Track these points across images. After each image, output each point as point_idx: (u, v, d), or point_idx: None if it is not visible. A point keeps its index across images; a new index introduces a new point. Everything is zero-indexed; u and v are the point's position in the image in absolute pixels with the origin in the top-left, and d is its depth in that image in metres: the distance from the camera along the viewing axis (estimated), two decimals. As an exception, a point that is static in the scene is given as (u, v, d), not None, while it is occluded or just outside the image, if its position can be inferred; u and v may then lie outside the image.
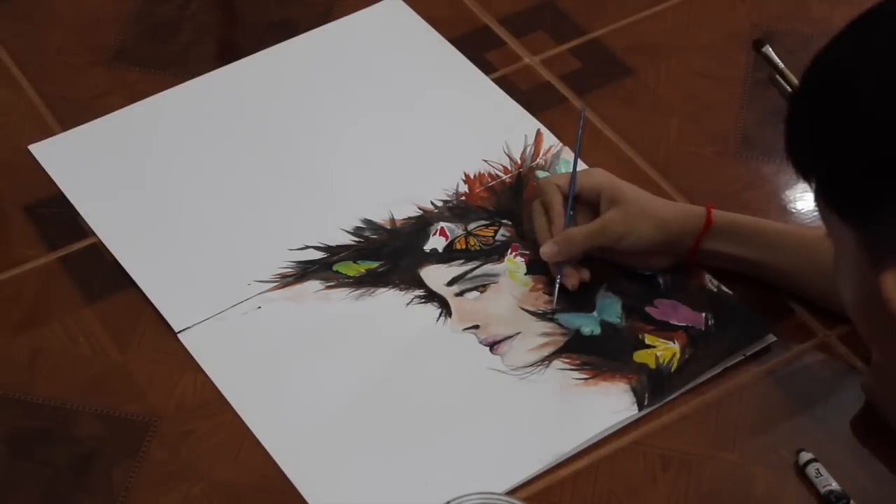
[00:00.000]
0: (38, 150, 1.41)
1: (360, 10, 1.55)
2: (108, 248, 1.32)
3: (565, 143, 1.40)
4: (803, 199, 1.35)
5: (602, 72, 1.49)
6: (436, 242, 1.32)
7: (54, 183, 1.38)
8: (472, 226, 1.34)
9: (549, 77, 1.48)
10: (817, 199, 0.93)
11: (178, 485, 1.16)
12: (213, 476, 1.17)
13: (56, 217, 1.35)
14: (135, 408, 1.21)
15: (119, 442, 1.18)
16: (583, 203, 1.28)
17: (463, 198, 1.36)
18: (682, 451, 1.19)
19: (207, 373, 1.23)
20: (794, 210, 1.35)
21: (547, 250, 1.25)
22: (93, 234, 1.33)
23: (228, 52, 1.52)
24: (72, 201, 1.36)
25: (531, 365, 1.23)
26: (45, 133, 1.43)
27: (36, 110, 1.45)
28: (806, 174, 0.93)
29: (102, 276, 1.31)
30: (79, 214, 1.35)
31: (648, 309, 1.27)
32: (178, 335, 1.25)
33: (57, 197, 1.37)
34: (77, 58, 1.51)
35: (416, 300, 1.28)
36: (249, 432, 1.19)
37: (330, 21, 1.53)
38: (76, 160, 1.40)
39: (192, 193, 1.37)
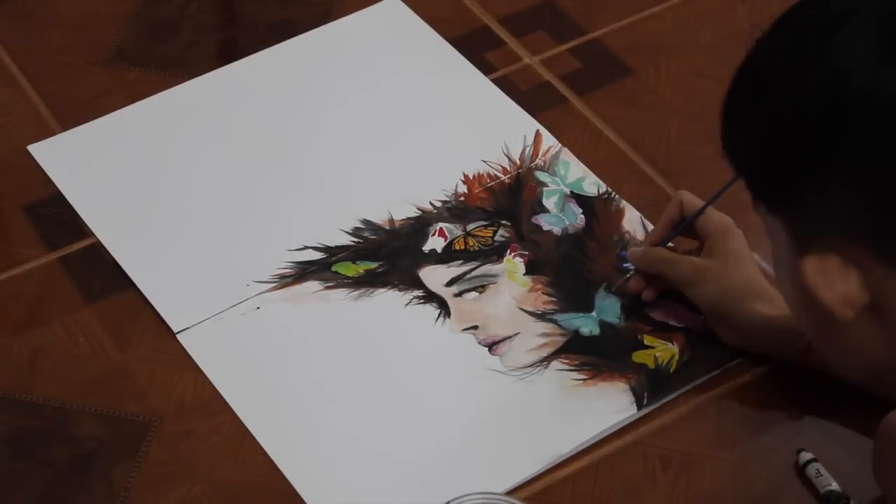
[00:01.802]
0: (37, 150, 1.41)
1: (359, 10, 1.54)
2: (107, 248, 1.32)
3: (564, 144, 1.40)
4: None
5: (602, 72, 1.49)
6: (435, 243, 1.32)
7: (54, 183, 1.38)
8: (470, 226, 1.34)
9: (549, 77, 1.48)
10: (750, 194, 0.95)
11: (177, 485, 1.16)
12: (213, 476, 1.17)
13: (56, 217, 1.35)
14: (135, 408, 1.21)
15: (119, 442, 1.18)
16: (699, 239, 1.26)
17: (462, 198, 1.36)
18: (682, 451, 1.19)
19: (206, 373, 1.23)
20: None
21: (631, 252, 1.28)
22: (92, 234, 1.33)
23: (228, 52, 1.52)
24: (70, 202, 1.36)
25: (530, 365, 1.23)
26: (45, 133, 1.43)
27: (36, 110, 1.45)
28: (738, 169, 0.96)
29: (102, 276, 1.31)
30: (78, 215, 1.35)
31: (647, 310, 1.27)
32: (177, 336, 1.25)
33: (57, 197, 1.37)
34: (77, 57, 1.51)
35: (415, 301, 1.28)
36: (249, 433, 1.19)
37: (330, 21, 1.53)
38: (75, 160, 1.40)
39: (191, 193, 1.37)
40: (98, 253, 1.32)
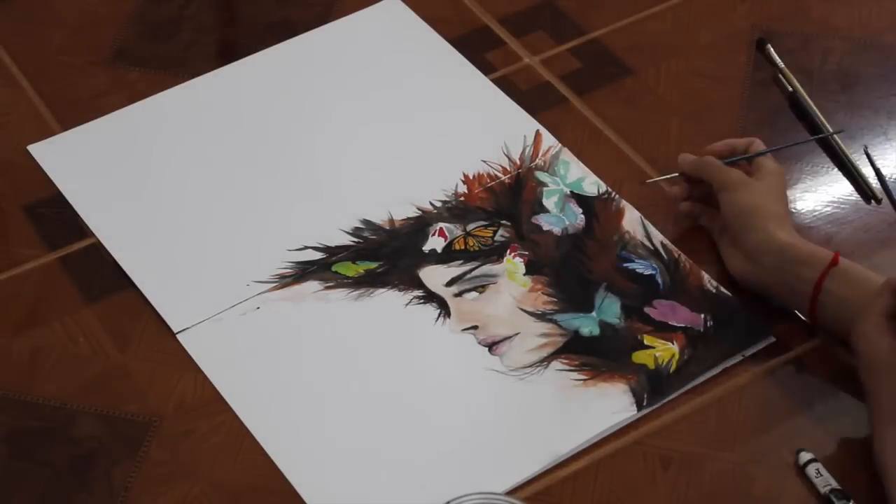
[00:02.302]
0: (37, 150, 1.41)
1: (359, 10, 1.54)
2: (107, 248, 1.32)
3: (564, 145, 1.40)
4: (803, 199, 1.35)
5: (602, 72, 1.49)
6: (435, 243, 1.32)
7: (54, 183, 1.38)
8: (471, 226, 1.34)
9: (549, 77, 1.48)
10: None
11: (177, 485, 1.16)
12: (213, 476, 1.17)
13: (56, 217, 1.35)
14: (135, 408, 1.21)
15: (119, 442, 1.18)
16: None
17: (462, 198, 1.36)
18: (682, 451, 1.19)
19: (206, 373, 1.23)
20: (794, 210, 1.35)
21: (682, 157, 1.33)
22: (92, 234, 1.33)
23: (228, 52, 1.52)
24: (70, 202, 1.36)
25: (530, 365, 1.23)
26: (45, 133, 1.43)
27: (36, 110, 1.45)
28: None
29: (102, 276, 1.31)
30: (78, 215, 1.35)
31: (647, 310, 1.27)
32: (177, 336, 1.25)
33: (57, 197, 1.37)
34: (77, 58, 1.51)
35: (415, 301, 1.28)
36: (249, 433, 1.19)
37: (329, 21, 1.53)
38: (75, 160, 1.40)
39: (192, 193, 1.37)
40: (98, 253, 1.32)
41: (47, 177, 1.39)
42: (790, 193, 1.36)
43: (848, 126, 1.43)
